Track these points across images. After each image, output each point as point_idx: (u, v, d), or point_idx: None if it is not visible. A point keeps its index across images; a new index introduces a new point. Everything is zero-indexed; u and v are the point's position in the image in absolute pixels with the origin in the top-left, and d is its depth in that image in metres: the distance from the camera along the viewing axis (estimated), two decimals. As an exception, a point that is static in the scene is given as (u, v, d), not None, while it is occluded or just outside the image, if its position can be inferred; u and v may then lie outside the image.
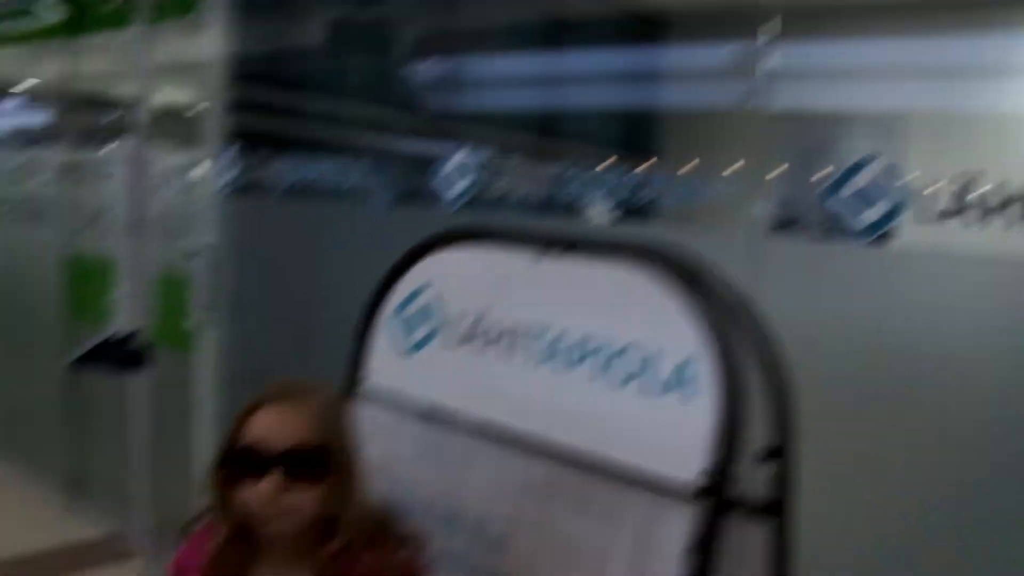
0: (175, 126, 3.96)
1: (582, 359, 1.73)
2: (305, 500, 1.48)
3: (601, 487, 1.68)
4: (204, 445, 3.94)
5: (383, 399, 2.06)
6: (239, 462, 1.47)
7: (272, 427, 1.47)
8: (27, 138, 5.45)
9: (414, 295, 2.03)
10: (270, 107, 3.80)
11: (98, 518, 4.81)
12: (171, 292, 3.79)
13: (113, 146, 3.54)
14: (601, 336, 1.71)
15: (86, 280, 4.78)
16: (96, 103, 4.67)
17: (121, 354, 3.28)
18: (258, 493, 1.44)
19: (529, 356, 1.80)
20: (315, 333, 3.36)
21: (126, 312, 3.29)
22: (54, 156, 5.03)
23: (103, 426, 4.79)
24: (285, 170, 3.49)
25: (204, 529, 1.63)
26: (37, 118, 5.44)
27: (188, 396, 3.97)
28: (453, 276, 1.98)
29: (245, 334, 3.77)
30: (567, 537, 1.72)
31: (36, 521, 4.81)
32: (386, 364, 2.07)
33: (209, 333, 3.82)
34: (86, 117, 4.77)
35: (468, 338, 1.91)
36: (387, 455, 1.99)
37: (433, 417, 1.95)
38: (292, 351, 3.45)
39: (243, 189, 3.66)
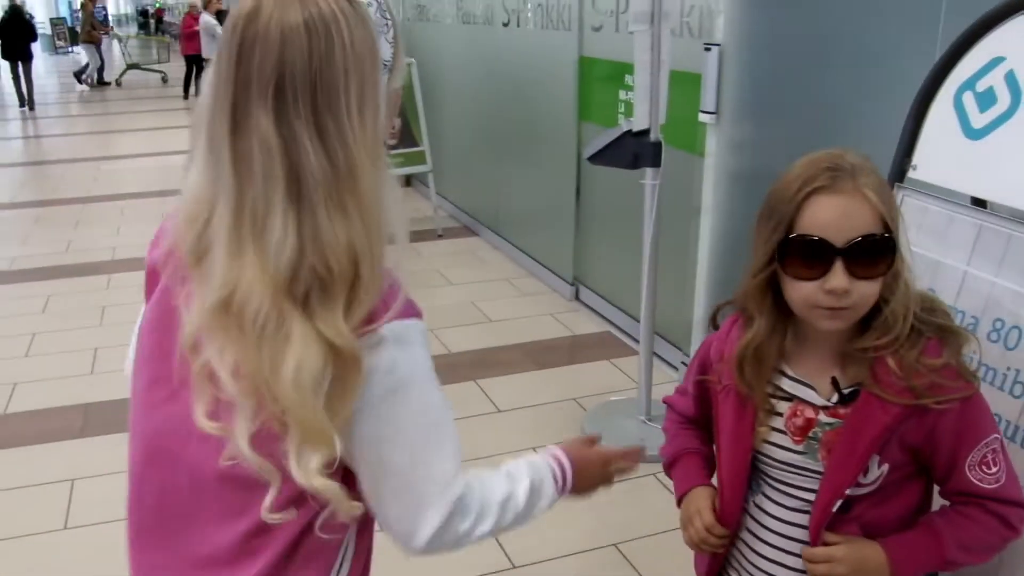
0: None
1: None
2: (868, 294, 1.33)
3: None
4: (706, 249, 3.93)
5: (935, 189, 1.81)
6: (798, 252, 1.33)
7: (836, 216, 1.30)
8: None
9: (984, 71, 1.72)
10: None
11: (597, 315, 5.12)
12: (682, 90, 3.74)
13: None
14: None
15: (595, 81, 4.91)
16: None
17: (635, 150, 3.30)
18: (826, 288, 1.31)
19: None
20: (831, 128, 3.11)
21: (640, 108, 3.27)
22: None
23: (605, 227, 5.00)
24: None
25: (731, 320, 1.55)
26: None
27: (691, 199, 3.97)
28: (1039, 46, 1.64)
29: (749, 131, 3.63)
30: None
31: (545, 313, 5.22)
32: (942, 150, 1.81)
33: (716, 132, 3.74)
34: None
35: (1055, 119, 1.59)
36: (936, 253, 1.77)
37: (999, 212, 1.68)
38: (804, 148, 3.25)
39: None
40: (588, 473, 1.42)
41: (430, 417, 1.17)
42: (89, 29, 18.13)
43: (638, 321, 3.71)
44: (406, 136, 6.87)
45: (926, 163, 1.84)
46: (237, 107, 1.05)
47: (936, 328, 1.38)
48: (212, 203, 1.08)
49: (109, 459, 3.55)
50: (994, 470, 1.37)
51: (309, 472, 1.05)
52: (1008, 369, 1.62)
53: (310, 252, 1.04)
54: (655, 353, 3.89)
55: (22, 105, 15.21)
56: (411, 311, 1.13)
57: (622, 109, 4.55)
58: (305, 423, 1.04)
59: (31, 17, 18.90)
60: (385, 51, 1.11)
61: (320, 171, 1.04)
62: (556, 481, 1.35)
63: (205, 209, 1.09)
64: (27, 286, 5.82)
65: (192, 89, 16.19)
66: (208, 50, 14.61)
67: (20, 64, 14.99)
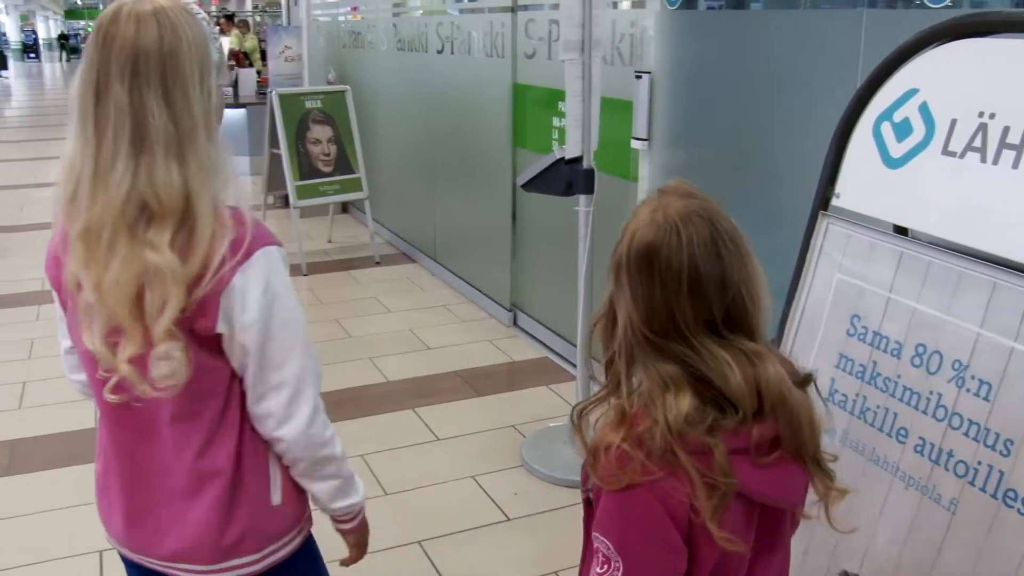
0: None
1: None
2: None
3: None
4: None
5: (858, 217, 1.85)
6: None
7: None
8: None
9: (900, 102, 1.77)
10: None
11: (535, 340, 5.13)
12: (614, 117, 3.78)
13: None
14: None
15: (529, 108, 4.94)
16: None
17: (568, 177, 3.31)
18: None
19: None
20: (760, 155, 3.17)
21: (573, 135, 3.30)
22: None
23: (542, 252, 5.02)
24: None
25: None
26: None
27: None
28: (950, 78, 1.69)
29: (680, 156, 3.68)
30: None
31: (483, 340, 5.21)
32: (864, 179, 1.86)
33: (648, 158, 3.78)
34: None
35: (969, 149, 1.63)
36: (860, 280, 1.80)
37: (917, 238, 1.72)
38: (733, 175, 3.31)
39: (689, 3, 3.48)
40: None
41: (299, 325, 1.48)
42: None
43: (575, 346, 3.73)
44: (342, 163, 6.84)
45: (849, 191, 1.88)
46: (99, 83, 1.35)
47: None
48: (81, 162, 1.37)
49: (36, 498, 3.45)
50: (599, 570, 1.23)
51: (118, 360, 1.37)
52: (931, 393, 1.66)
53: (143, 187, 1.34)
54: (593, 378, 3.90)
55: None
56: (273, 240, 1.44)
57: (556, 136, 4.58)
58: (116, 321, 1.35)
59: None
60: (214, 52, 1.42)
61: (164, 129, 1.34)
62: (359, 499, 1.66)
63: (76, 168, 1.38)
64: (-46, 318, 5.66)
65: None
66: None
67: None
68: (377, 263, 6.80)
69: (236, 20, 15.50)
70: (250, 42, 14.11)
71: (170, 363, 1.36)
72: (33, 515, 3.34)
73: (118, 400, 1.41)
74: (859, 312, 1.78)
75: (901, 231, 1.82)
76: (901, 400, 1.68)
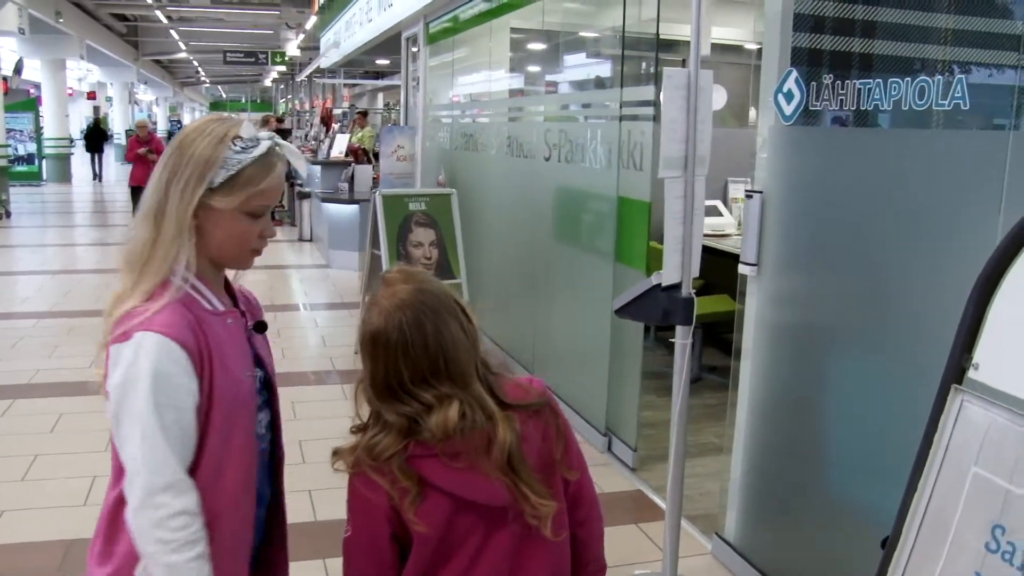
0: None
1: None
2: None
3: None
4: (743, 408, 3.59)
5: (1004, 397, 1.48)
6: None
7: None
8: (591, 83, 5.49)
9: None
10: (840, 23, 3.19)
11: (627, 469, 4.74)
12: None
13: (664, 83, 3.14)
14: None
15: (633, 223, 4.66)
16: (650, 44, 4.49)
17: (665, 304, 2.99)
18: None
19: None
20: (885, 292, 2.79)
21: (671, 259, 2.98)
22: (610, 96, 4.98)
23: (638, 377, 4.68)
24: (856, 94, 2.88)
25: None
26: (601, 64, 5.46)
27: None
28: None
29: (793, 285, 3.31)
30: None
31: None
32: (1011, 349, 1.48)
33: (756, 284, 3.42)
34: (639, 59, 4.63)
35: None
36: (1003, 480, 1.42)
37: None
38: (854, 310, 2.93)
39: (806, 119, 3.14)
40: None
41: (140, 415, 1.52)
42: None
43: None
44: (443, 267, 6.67)
45: (991, 363, 1.51)
46: None
47: None
48: None
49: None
50: (348, 525, 1.73)
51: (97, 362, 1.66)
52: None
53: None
54: (688, 518, 3.50)
55: (95, 179, 24.65)
56: (156, 325, 1.54)
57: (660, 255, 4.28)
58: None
59: (106, 127, 28.12)
60: (219, 175, 1.62)
61: (148, 198, 1.65)
62: None
63: None
64: (43, 402, 5.64)
65: None
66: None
67: (97, 154, 25.03)
68: (473, 371, 6.55)
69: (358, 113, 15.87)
70: (366, 133, 14.26)
71: (99, 371, 1.61)
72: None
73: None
74: (1004, 523, 1.39)
75: (1060, 415, 1.44)
76: (1061, 647, 1.29)
